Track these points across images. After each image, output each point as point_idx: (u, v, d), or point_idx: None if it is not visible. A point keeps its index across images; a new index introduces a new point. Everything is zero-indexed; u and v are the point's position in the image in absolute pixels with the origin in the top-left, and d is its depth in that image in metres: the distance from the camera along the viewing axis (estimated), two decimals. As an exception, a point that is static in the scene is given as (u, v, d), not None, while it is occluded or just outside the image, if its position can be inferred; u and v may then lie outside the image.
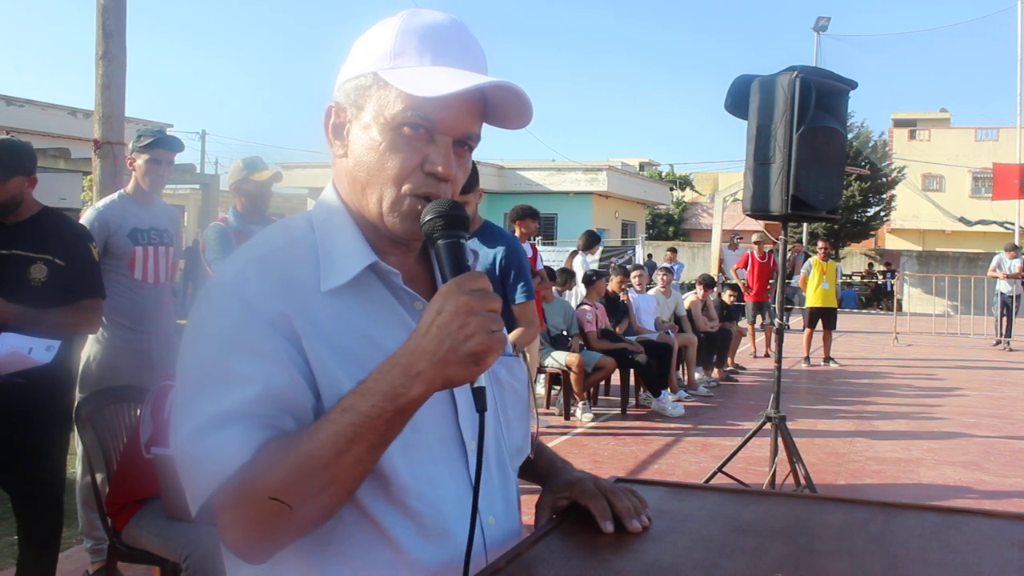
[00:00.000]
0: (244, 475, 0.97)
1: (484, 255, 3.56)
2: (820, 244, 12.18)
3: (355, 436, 0.95)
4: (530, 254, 7.21)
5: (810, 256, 12.86)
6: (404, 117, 1.06)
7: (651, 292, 9.51)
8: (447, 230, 1.04)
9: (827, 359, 11.62)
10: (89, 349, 3.74)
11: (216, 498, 0.99)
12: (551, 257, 14.43)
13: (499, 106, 1.11)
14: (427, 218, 1.05)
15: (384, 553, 1.06)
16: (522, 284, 3.67)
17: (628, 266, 10.25)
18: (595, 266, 10.66)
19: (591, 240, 10.58)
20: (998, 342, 15.12)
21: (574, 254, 10.82)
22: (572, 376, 7.35)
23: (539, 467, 1.34)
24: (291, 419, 1.01)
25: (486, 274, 1.01)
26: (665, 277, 9.73)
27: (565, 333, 7.65)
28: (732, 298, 11.28)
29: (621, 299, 8.61)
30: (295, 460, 0.96)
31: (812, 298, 11.68)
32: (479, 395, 1.00)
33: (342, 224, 1.13)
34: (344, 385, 1.01)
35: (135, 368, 3.63)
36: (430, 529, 1.07)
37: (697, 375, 9.52)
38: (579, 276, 9.13)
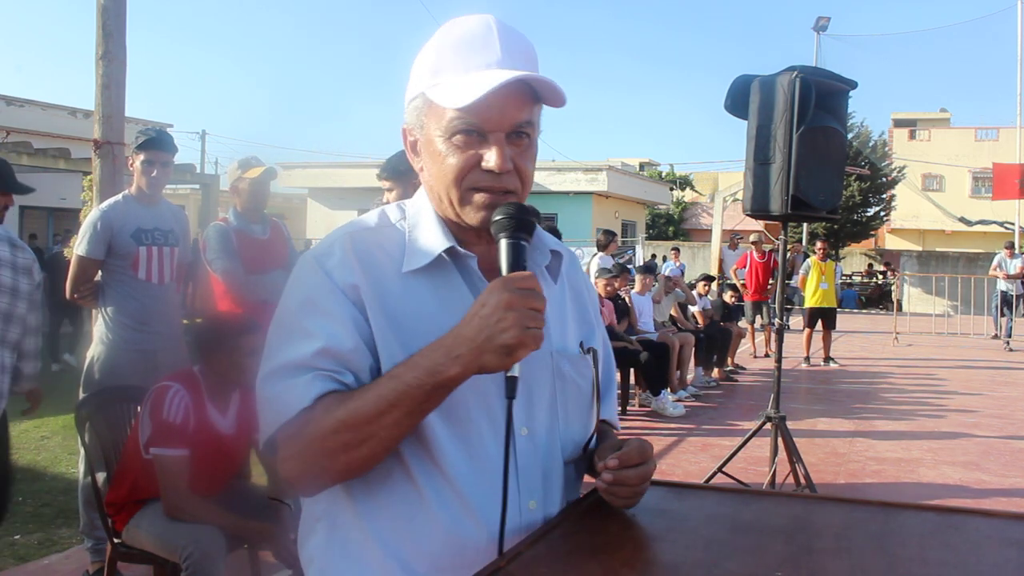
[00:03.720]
0: (302, 419, 1.13)
1: None
2: (819, 244, 12.18)
3: (396, 400, 1.09)
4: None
5: (809, 256, 12.87)
6: (454, 126, 1.17)
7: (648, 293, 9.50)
8: (512, 231, 1.16)
9: (827, 359, 11.62)
10: (93, 349, 3.73)
11: (278, 435, 1.15)
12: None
13: (542, 90, 1.19)
14: (496, 218, 1.17)
15: (420, 515, 1.16)
16: None
17: (634, 268, 10.21)
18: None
19: (608, 239, 10.46)
20: (996, 336, 15.36)
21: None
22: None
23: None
24: (351, 375, 1.16)
25: (535, 275, 1.11)
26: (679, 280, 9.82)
27: None
28: (733, 299, 11.27)
29: (623, 298, 8.59)
30: (343, 413, 1.11)
31: (811, 298, 11.68)
32: (511, 383, 1.11)
33: (428, 216, 1.26)
34: (398, 355, 1.14)
35: (139, 368, 3.61)
36: (461, 501, 1.17)
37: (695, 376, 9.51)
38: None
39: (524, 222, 1.16)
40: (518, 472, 1.20)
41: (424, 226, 1.25)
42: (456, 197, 1.20)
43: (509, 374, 1.10)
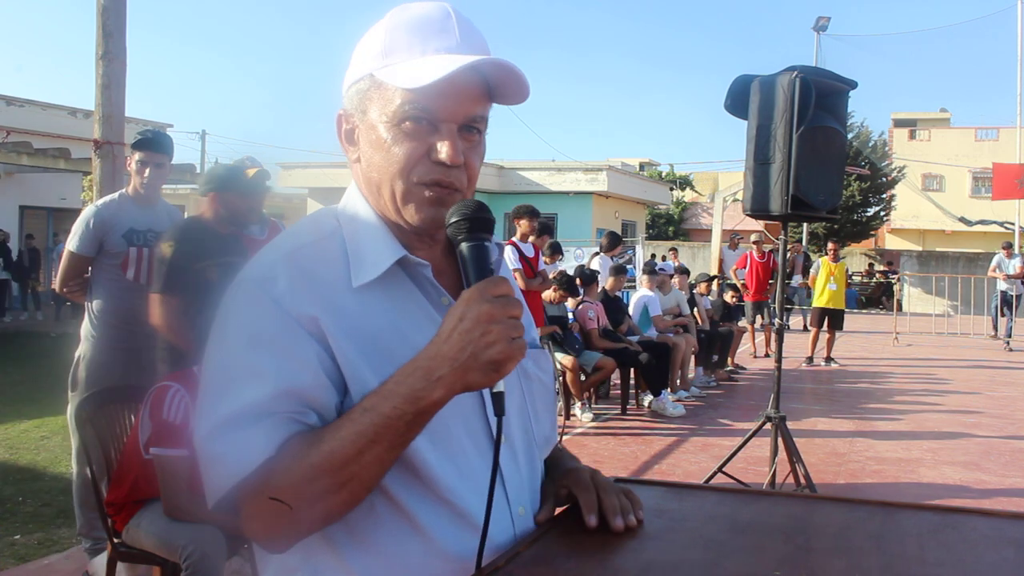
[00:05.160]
0: (267, 470, 1.00)
1: None
2: (830, 246, 12.23)
3: (376, 436, 0.98)
4: (531, 253, 7.20)
5: (810, 256, 12.89)
6: (403, 112, 1.07)
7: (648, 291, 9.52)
8: (471, 233, 1.05)
9: (828, 359, 11.62)
10: (80, 348, 3.74)
11: (238, 492, 1.02)
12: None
13: (499, 84, 1.11)
14: (452, 220, 1.07)
15: (416, 543, 1.08)
16: None
17: (634, 268, 10.22)
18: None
19: (613, 241, 10.45)
20: (995, 336, 15.45)
21: (594, 255, 10.79)
22: (568, 377, 7.35)
23: (548, 459, 1.34)
24: (315, 415, 1.04)
25: (507, 280, 1.02)
26: (680, 279, 9.84)
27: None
28: (733, 299, 11.27)
29: (623, 301, 8.60)
30: (317, 458, 0.99)
31: (819, 298, 11.68)
32: (498, 400, 1.02)
33: (368, 220, 1.15)
34: (370, 382, 1.04)
35: (125, 367, 3.62)
36: (460, 519, 1.09)
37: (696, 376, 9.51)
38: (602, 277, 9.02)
39: (482, 220, 1.06)
40: (504, 480, 1.16)
41: (366, 231, 1.13)
42: (400, 191, 1.09)
43: (495, 390, 1.01)
